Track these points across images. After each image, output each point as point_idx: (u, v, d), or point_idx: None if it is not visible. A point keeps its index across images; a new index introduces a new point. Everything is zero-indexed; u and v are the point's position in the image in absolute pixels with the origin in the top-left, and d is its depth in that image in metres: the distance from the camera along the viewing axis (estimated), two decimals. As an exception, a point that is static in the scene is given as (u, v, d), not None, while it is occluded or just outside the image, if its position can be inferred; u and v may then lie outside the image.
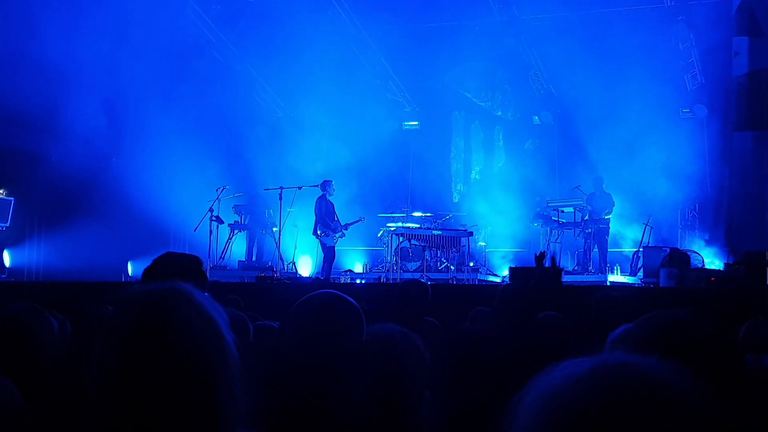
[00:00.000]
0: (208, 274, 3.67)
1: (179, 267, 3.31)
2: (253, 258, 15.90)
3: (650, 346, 1.57)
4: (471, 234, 14.97)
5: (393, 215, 16.36)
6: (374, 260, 17.38)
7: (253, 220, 15.92)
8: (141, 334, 1.52)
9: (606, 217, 14.66)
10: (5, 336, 2.81)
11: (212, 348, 1.55)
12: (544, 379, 1.02)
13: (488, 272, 15.80)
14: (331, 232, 14.03)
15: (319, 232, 14.02)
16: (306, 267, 16.43)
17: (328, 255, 14.11)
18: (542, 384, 1.01)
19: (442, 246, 14.80)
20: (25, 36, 13.21)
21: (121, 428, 1.47)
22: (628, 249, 15.96)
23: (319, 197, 14.22)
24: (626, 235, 16.26)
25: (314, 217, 14.22)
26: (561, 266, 11.06)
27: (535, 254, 8.66)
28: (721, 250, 14.50)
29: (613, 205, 14.77)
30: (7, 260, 14.43)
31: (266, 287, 11.08)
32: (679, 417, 0.93)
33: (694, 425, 0.94)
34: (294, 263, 15.80)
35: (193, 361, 1.52)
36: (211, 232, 14.67)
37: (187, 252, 3.64)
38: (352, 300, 2.75)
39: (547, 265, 8.76)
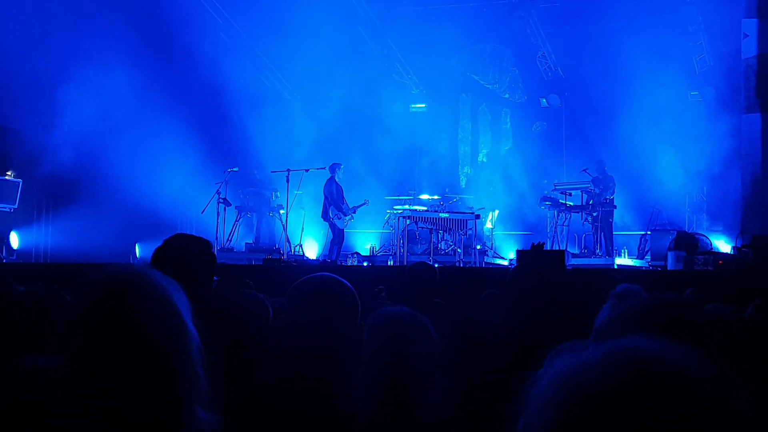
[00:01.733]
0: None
1: (189, 249, 3.33)
2: (264, 239, 15.90)
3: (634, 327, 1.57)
4: (478, 217, 14.94)
5: (400, 198, 16.35)
6: (382, 243, 17.38)
7: (252, 201, 15.90)
8: (99, 316, 1.56)
9: (609, 198, 14.63)
10: (25, 314, 2.84)
11: (170, 329, 1.58)
12: (557, 364, 1.02)
13: (495, 255, 15.80)
14: (342, 215, 14.10)
15: (331, 215, 14.08)
16: (312, 249, 16.43)
17: (338, 237, 14.19)
18: (556, 368, 1.01)
19: (449, 229, 14.77)
20: (31, 14, 13.20)
21: (86, 407, 1.50)
22: (636, 232, 15.93)
23: (328, 180, 14.27)
24: (633, 217, 16.23)
25: (323, 200, 14.26)
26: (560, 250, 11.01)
27: (532, 244, 8.64)
28: (729, 233, 14.47)
29: (615, 185, 14.76)
30: (14, 242, 14.47)
31: (274, 270, 11.09)
32: (693, 398, 0.94)
33: (707, 407, 0.94)
34: (301, 246, 15.82)
35: (150, 341, 1.54)
36: (218, 214, 14.67)
37: (195, 234, 3.65)
38: (348, 283, 2.77)
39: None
